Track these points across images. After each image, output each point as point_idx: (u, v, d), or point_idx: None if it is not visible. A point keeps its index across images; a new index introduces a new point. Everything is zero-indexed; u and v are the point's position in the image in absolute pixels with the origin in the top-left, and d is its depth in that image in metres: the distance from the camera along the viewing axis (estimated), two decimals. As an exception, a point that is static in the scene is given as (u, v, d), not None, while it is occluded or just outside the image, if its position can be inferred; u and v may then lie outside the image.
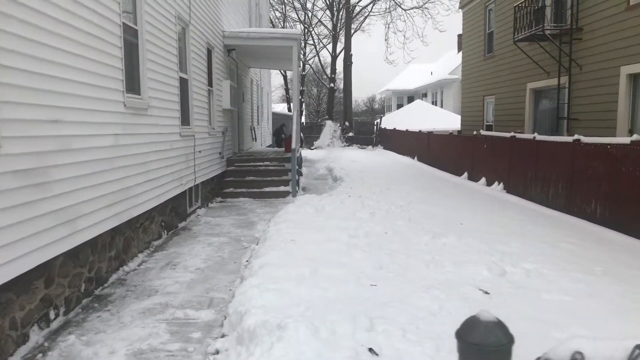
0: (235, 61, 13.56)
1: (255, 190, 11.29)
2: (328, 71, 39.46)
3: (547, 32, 11.97)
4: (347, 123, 32.80)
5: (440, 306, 4.03)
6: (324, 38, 39.85)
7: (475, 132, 14.48)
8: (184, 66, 8.52)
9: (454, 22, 40.14)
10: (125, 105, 5.60)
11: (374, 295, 4.26)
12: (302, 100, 40.45)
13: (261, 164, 12.34)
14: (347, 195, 10.35)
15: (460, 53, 36.74)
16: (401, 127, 25.88)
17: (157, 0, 6.77)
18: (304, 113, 43.85)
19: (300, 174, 14.07)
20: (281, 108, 42.19)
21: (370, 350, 3.18)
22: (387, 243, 6.20)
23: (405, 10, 34.28)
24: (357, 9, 35.55)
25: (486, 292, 4.47)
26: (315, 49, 39.84)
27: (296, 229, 6.92)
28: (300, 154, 17.56)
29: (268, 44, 11.93)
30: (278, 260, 5.23)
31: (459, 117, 29.03)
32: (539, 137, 10.52)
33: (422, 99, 40.59)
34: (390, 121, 30.57)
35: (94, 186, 4.81)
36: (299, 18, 38.18)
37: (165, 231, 7.46)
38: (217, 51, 11.15)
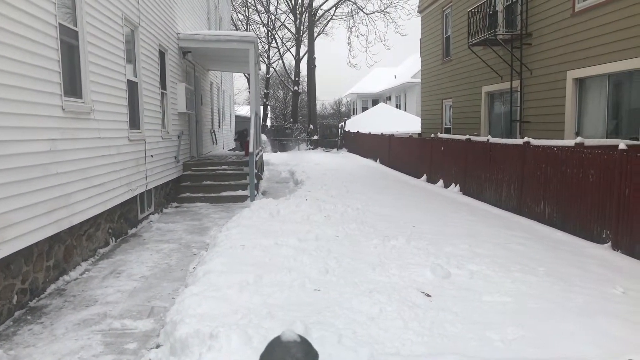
0: (192, 64, 13.36)
1: (213, 194, 11.12)
2: (292, 74, 39.42)
3: (499, 37, 12.26)
4: (311, 126, 32.82)
5: (380, 310, 4.03)
6: (287, 41, 39.85)
7: (433, 135, 14.69)
8: (134, 69, 8.32)
9: (416, 27, 40.75)
10: (63, 109, 5.41)
11: (316, 301, 4.22)
12: (267, 103, 40.26)
13: (219, 167, 12.17)
14: (304, 198, 10.30)
15: (421, 57, 37.51)
16: (365, 130, 26.06)
17: (99, 1, 6.57)
18: (269, 116, 43.64)
19: (259, 177, 13.97)
20: (245, 111, 41.84)
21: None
22: (337, 246, 6.18)
23: (367, 14, 34.51)
24: (320, 12, 35.71)
25: (428, 295, 4.49)
26: (279, 52, 39.77)
27: (247, 234, 6.83)
28: (262, 157, 17.46)
29: (224, 47, 11.81)
30: (223, 267, 5.14)
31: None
32: (492, 140, 10.74)
33: (386, 102, 41.04)
34: (355, 124, 30.75)
35: (26, 193, 4.61)
36: (262, 21, 38.06)
37: (114, 238, 7.25)
38: (172, 54, 10.95)
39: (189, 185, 11.36)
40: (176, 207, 10.60)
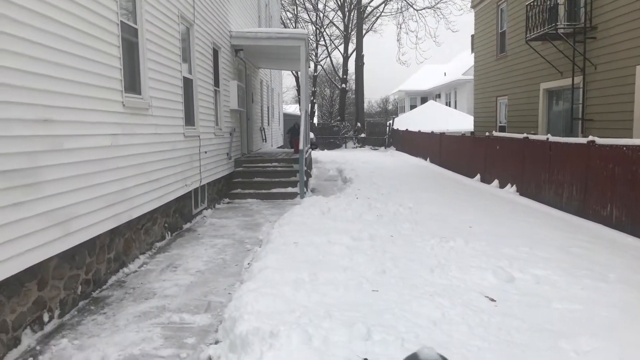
0: (243, 62, 13.49)
1: (263, 191, 11.18)
2: (340, 72, 39.32)
3: (561, 31, 11.69)
4: (359, 124, 32.62)
5: (442, 314, 3.86)
6: (335, 39, 39.76)
7: (487, 133, 14.21)
8: (189, 66, 8.45)
9: (467, 23, 39.67)
10: (124, 105, 5.52)
11: (374, 302, 4.10)
12: (315, 101, 40.34)
13: (269, 164, 12.24)
14: (355, 197, 10.19)
15: (474, 54, 36.42)
16: (414, 128, 25.63)
17: (158, 0, 6.68)
18: (316, 114, 43.72)
19: (309, 175, 13.95)
20: (293, 109, 42.12)
21: (366, 360, 3.04)
22: (392, 247, 6.03)
23: (417, 10, 33.90)
24: (369, 9, 35.40)
25: (492, 300, 4.28)
26: (327, 50, 39.73)
27: (300, 231, 6.79)
28: (310, 154, 17.45)
29: (275, 44, 11.83)
30: (277, 264, 5.10)
31: (471, 118, 28.74)
32: (552, 138, 10.26)
33: (435, 100, 40.23)
34: (403, 122, 30.32)
35: (89, 187, 4.73)
36: (310, 19, 38.11)
37: (169, 232, 7.38)
38: (224, 51, 11.07)
39: (240, 181, 11.47)
40: (228, 202, 10.72)
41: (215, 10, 10.15)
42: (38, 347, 3.81)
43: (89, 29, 4.77)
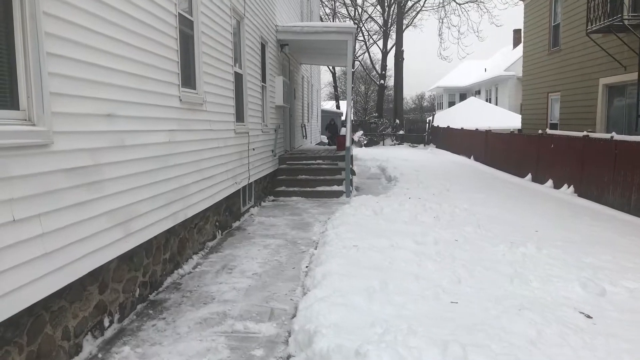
0: (287, 57, 13.23)
1: (308, 189, 10.90)
2: (378, 68, 38.72)
3: (626, 22, 10.96)
4: (397, 121, 32.04)
5: (538, 332, 3.46)
6: (374, 34, 39.21)
7: (541, 131, 13.55)
8: (239, 61, 8.22)
9: (510, 17, 38.41)
10: (180, 99, 5.30)
11: (458, 316, 3.73)
12: (352, 97, 39.92)
13: (313, 162, 11.97)
14: (405, 196, 9.79)
15: (517, 49, 35.21)
16: (455, 125, 24.94)
17: (214, -9, 6.46)
18: (352, 110, 43.31)
19: (353, 173, 13.60)
20: (329, 105, 41.83)
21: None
22: (460, 252, 5.63)
23: (459, 4, 32.97)
24: (409, 4, 34.68)
25: (588, 316, 3.85)
26: (366, 45, 39.21)
27: (356, 233, 6.46)
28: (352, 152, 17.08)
29: (322, 39, 11.51)
30: (341, 269, 4.79)
31: (515, 116, 27.78)
32: (617, 137, 9.61)
33: (475, 97, 39.19)
34: (443, 119, 29.59)
35: (149, 185, 4.52)
36: (348, 14, 37.67)
37: (220, 231, 7.18)
38: (271, 46, 10.83)
39: (285, 179, 11.22)
40: (273, 200, 10.49)
41: (263, 3, 9.91)
42: (100, 355, 3.62)
43: (149, 19, 4.55)
